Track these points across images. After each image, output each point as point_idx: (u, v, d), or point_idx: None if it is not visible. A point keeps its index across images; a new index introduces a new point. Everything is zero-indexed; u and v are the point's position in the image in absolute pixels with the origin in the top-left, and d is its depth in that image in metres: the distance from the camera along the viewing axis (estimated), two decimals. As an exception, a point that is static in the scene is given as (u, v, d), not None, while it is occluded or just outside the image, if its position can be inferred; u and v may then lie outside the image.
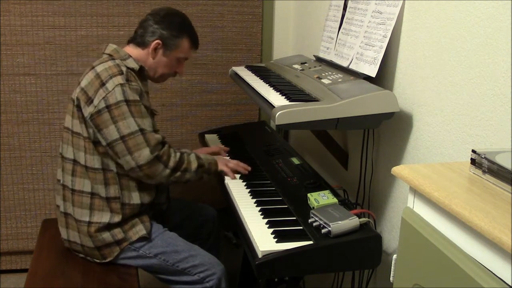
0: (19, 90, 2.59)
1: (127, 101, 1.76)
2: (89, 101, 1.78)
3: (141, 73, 1.91)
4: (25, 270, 2.65)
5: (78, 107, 1.81)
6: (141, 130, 1.78)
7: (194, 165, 1.90)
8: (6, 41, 2.52)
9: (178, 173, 1.86)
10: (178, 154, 1.87)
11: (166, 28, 1.91)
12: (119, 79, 1.77)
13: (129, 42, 1.96)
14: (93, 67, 1.85)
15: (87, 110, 1.78)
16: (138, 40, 1.93)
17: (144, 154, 1.78)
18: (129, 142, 1.77)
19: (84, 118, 1.80)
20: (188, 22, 1.98)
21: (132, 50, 1.93)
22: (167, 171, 1.83)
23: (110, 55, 1.88)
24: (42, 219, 2.31)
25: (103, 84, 1.77)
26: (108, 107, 1.75)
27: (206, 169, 1.94)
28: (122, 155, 1.78)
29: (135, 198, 1.86)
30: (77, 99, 1.82)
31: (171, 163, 1.84)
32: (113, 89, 1.76)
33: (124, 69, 1.82)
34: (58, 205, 1.94)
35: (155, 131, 1.85)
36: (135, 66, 1.87)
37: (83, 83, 1.82)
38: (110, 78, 1.78)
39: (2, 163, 2.65)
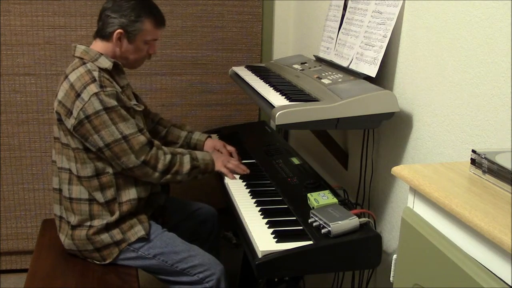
0: (19, 90, 2.59)
1: (106, 109, 1.74)
2: (69, 113, 1.76)
3: (117, 68, 1.86)
4: (25, 270, 2.65)
5: (60, 121, 1.80)
6: (124, 138, 1.76)
7: (186, 167, 1.88)
8: (6, 41, 2.52)
9: (169, 176, 1.86)
10: (168, 157, 1.85)
11: (124, 15, 1.82)
12: (93, 88, 1.74)
13: (95, 36, 1.90)
14: (66, 76, 1.81)
15: (69, 122, 1.76)
16: (101, 33, 1.87)
17: (131, 160, 1.78)
18: (115, 149, 1.76)
19: (69, 130, 1.79)
20: (145, 2, 1.88)
21: (99, 44, 1.87)
22: (157, 174, 1.83)
23: (80, 58, 1.83)
24: (42, 219, 2.31)
25: (78, 95, 1.74)
26: (87, 117, 1.73)
27: (202, 169, 1.94)
28: (112, 159, 1.79)
29: (132, 193, 1.86)
30: (57, 113, 1.80)
31: (160, 166, 1.83)
32: (89, 99, 1.72)
33: (96, 74, 1.77)
34: (56, 214, 1.94)
35: (141, 130, 1.81)
36: (108, 65, 1.82)
37: (60, 95, 1.80)
38: (84, 88, 1.74)
39: (2, 163, 2.65)
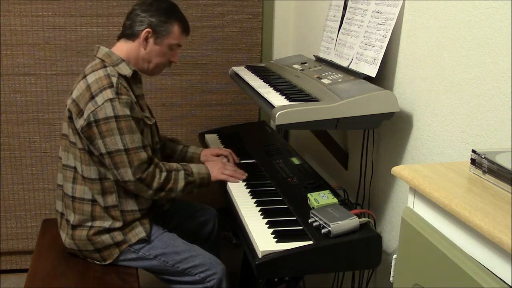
0: (19, 90, 2.59)
1: (116, 117, 1.73)
2: (80, 113, 1.76)
3: (135, 76, 1.87)
4: (25, 270, 2.65)
5: (71, 119, 1.80)
6: (126, 150, 1.75)
7: (181, 184, 1.86)
8: (6, 41, 2.53)
9: (163, 193, 1.84)
10: (163, 175, 1.82)
11: (154, 15, 1.84)
12: (109, 93, 1.73)
13: (119, 37, 1.91)
14: (85, 76, 1.81)
15: (79, 123, 1.76)
16: (127, 32, 1.87)
17: (128, 174, 1.77)
18: (115, 158, 1.75)
19: (77, 130, 1.78)
20: (175, 7, 1.92)
21: (123, 45, 1.87)
22: (150, 191, 1.82)
23: (102, 60, 1.83)
24: (42, 219, 2.31)
25: (92, 97, 1.74)
26: (96, 121, 1.72)
27: (197, 184, 1.91)
28: (110, 168, 1.78)
29: (133, 204, 1.86)
30: (69, 110, 1.80)
31: (155, 184, 1.81)
32: (102, 103, 1.72)
33: (115, 80, 1.76)
34: (58, 210, 1.94)
35: (144, 146, 1.80)
36: (128, 72, 1.82)
37: (75, 94, 1.79)
38: (100, 92, 1.74)
39: (2, 163, 2.65)
